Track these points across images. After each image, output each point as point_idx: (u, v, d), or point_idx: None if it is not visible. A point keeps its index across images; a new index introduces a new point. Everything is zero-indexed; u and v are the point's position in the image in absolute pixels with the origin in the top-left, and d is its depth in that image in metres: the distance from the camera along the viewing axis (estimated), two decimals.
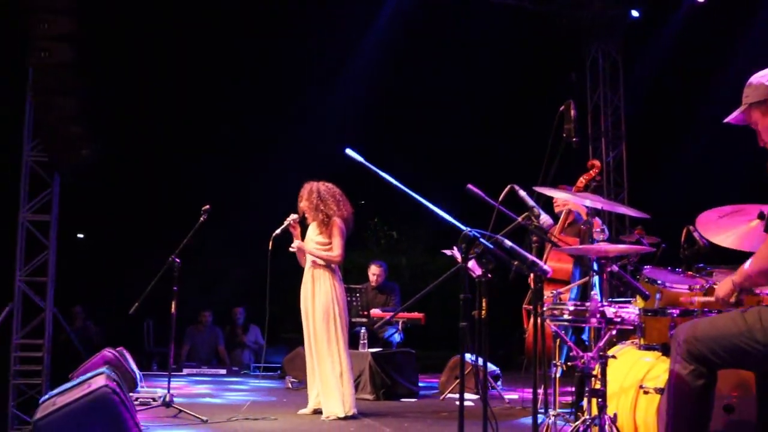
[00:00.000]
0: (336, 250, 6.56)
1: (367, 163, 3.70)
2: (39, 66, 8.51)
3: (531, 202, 3.87)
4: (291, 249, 6.67)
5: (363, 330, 8.28)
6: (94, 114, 8.96)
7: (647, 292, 4.15)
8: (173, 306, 6.56)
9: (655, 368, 4.33)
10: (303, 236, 6.75)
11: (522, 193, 3.90)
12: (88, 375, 5.12)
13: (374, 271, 9.30)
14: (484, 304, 3.67)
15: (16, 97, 9.41)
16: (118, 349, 7.84)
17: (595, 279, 4.08)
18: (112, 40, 11.24)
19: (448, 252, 7.95)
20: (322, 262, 6.56)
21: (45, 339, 9.39)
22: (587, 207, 5.79)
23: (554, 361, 4.37)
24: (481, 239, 3.39)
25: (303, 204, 6.71)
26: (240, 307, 12.44)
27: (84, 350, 9.87)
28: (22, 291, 9.39)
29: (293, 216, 6.67)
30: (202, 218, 6.65)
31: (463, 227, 3.48)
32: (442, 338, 12.89)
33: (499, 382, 8.37)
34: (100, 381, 4.51)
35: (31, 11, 8.30)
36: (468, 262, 3.47)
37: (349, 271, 6.95)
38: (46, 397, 4.98)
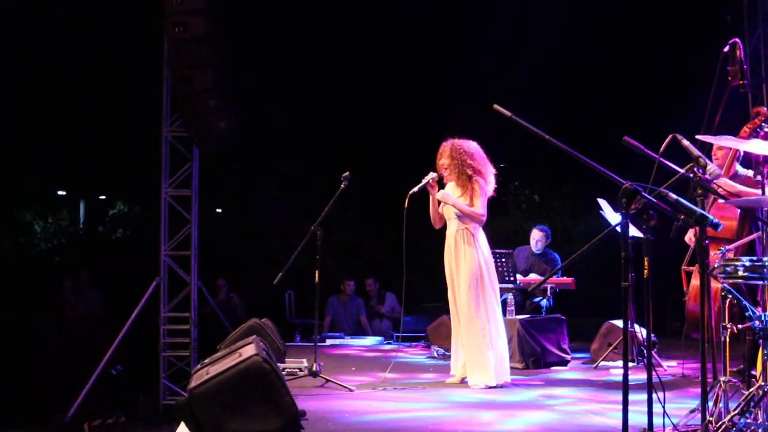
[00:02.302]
0: (478, 208, 6.47)
1: (517, 118, 3.62)
2: (174, 41, 8.78)
3: (696, 152, 3.68)
4: (437, 196, 6.58)
5: (510, 296, 8.20)
6: (231, 87, 9.18)
7: None
8: (317, 275, 6.61)
9: None
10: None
11: (686, 142, 3.73)
12: (238, 344, 5.28)
13: (535, 236, 9.24)
14: (646, 264, 3.55)
15: (154, 73, 9.77)
16: (262, 320, 8.04)
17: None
18: (246, 12, 11.46)
19: (601, 211, 7.77)
20: (465, 226, 6.49)
21: (191, 312, 9.78)
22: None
23: (724, 324, 4.16)
24: (644, 193, 3.27)
25: (443, 161, 6.62)
26: (370, 278, 12.56)
27: (228, 322, 10.22)
28: (168, 265, 9.79)
29: (432, 174, 6.60)
30: (342, 185, 6.67)
31: (622, 181, 3.36)
32: (591, 303, 12.66)
33: (655, 350, 8.11)
34: (250, 350, 4.63)
35: None
36: (628, 219, 3.35)
37: (491, 237, 6.85)
38: (199, 366, 5.15)
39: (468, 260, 6.43)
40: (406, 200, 6.38)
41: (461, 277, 6.43)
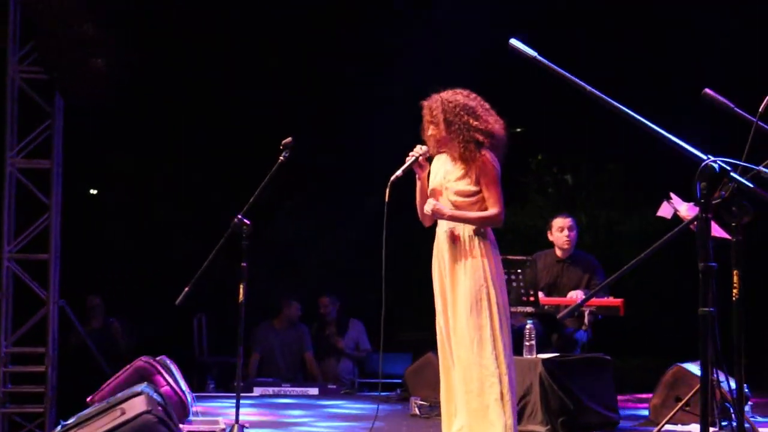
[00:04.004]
0: (494, 206, 6.32)
1: (544, 60, 3.60)
2: None
3: None
4: (426, 210, 6.52)
5: (530, 325, 8.19)
6: (112, 8, 9.11)
7: None
8: (241, 292, 6.55)
9: None
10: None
11: None
12: (120, 397, 5.25)
13: (560, 224, 9.18)
14: (735, 279, 3.56)
15: None
16: (158, 358, 8.03)
17: None
18: None
19: (667, 211, 7.77)
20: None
21: (48, 346, 9.69)
22: None
23: None
24: (734, 173, 3.26)
25: (438, 129, 6.48)
26: (326, 296, 12.53)
27: (106, 361, 10.17)
28: (13, 274, 9.69)
29: (421, 148, 6.47)
30: (281, 158, 6.62)
31: (701, 155, 3.35)
32: (646, 337, 12.76)
33: (748, 407, 8.15)
34: (138, 405, 4.61)
35: None
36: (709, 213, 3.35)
37: (502, 234, 6.78)
38: (59, 429, 5.12)
39: (468, 272, 6.36)
40: (387, 190, 6.25)
41: (459, 298, 6.38)
